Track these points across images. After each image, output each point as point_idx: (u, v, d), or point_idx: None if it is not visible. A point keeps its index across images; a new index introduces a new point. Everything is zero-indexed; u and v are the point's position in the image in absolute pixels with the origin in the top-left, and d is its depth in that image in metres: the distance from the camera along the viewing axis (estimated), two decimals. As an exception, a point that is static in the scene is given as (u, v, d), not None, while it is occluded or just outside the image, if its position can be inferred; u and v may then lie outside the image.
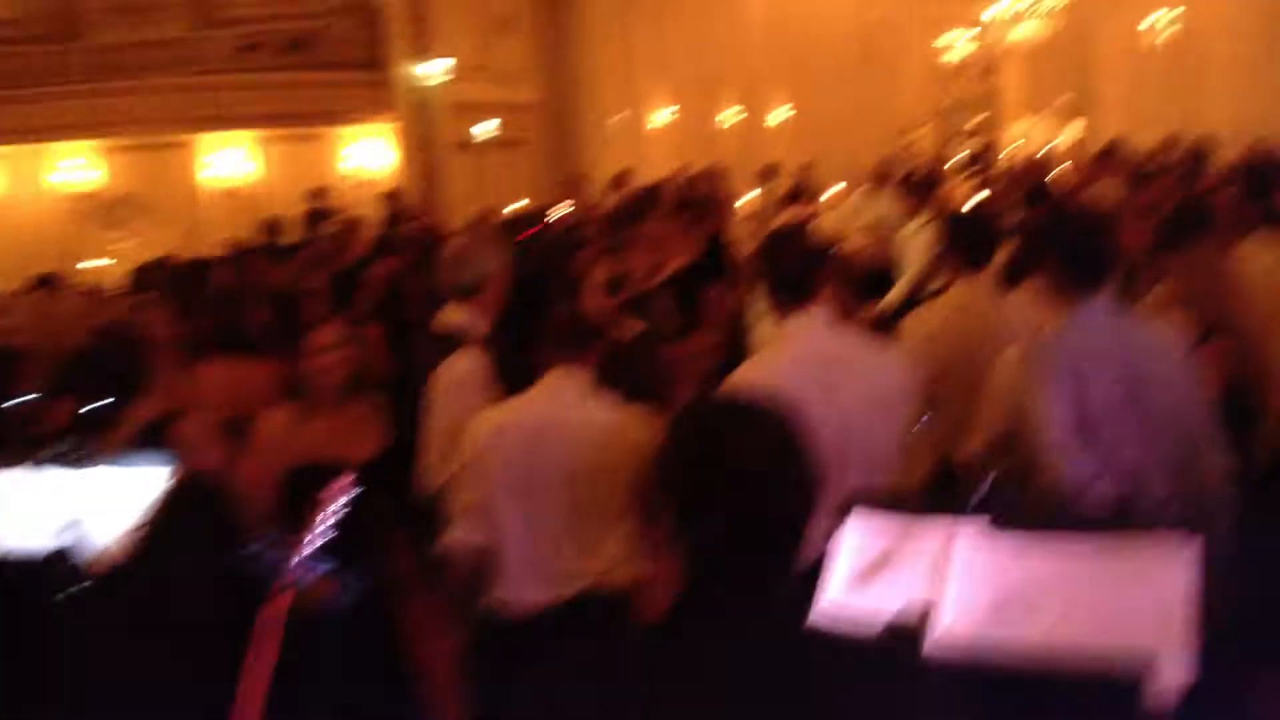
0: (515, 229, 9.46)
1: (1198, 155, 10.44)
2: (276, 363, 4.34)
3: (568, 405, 3.52)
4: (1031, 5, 16.58)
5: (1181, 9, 15.72)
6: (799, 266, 3.48)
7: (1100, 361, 3.31)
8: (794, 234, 4.06)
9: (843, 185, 11.04)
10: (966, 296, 4.37)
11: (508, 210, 11.03)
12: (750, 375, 3.39)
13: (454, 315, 4.29)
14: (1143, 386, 3.31)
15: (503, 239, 7.32)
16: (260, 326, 5.58)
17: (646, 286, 5.93)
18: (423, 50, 14.05)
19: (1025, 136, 20.95)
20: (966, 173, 18.62)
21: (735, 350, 4.73)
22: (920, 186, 9.03)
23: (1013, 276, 4.57)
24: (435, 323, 4.40)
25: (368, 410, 3.95)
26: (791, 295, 3.43)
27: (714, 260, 12.30)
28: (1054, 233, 3.58)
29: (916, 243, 8.05)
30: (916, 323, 4.42)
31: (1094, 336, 3.34)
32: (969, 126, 23.00)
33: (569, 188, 12.45)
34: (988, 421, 3.57)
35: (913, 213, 8.39)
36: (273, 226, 9.62)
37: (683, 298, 5.48)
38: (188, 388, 4.15)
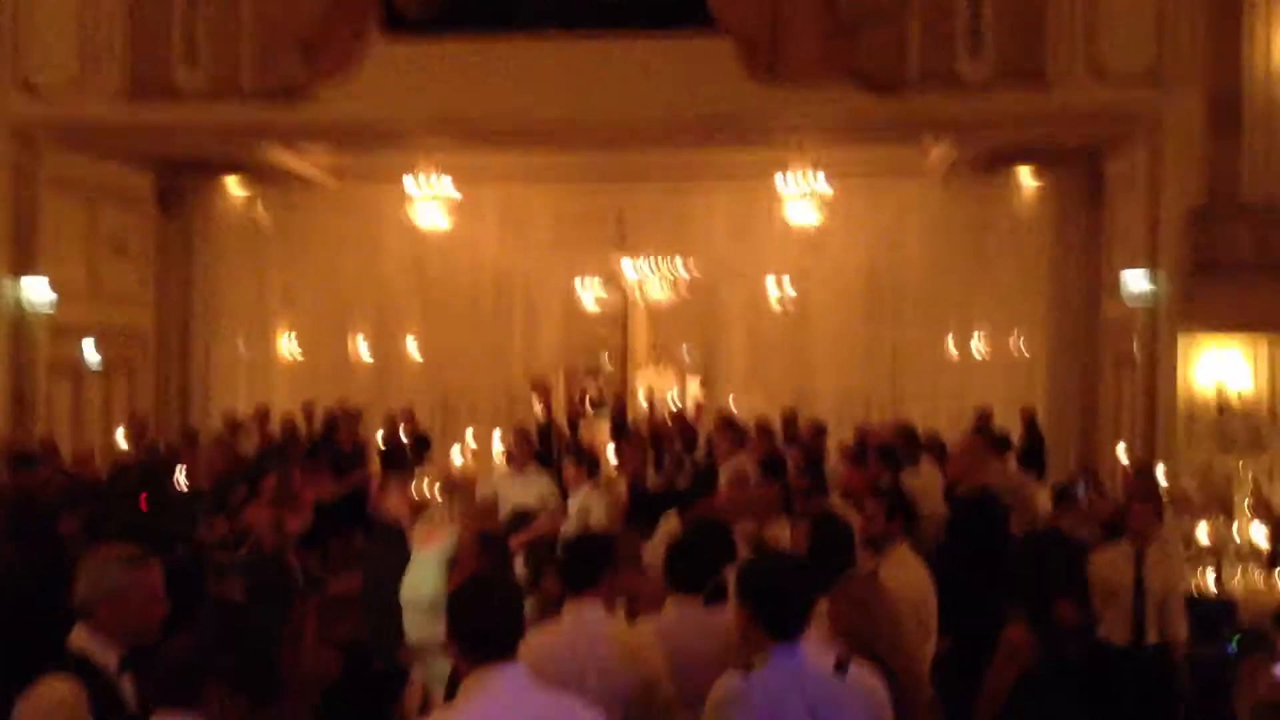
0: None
1: (818, 429, 11.19)
2: None
3: None
4: (661, 266, 17.59)
5: (791, 284, 17.23)
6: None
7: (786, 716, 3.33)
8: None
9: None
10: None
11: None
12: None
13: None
14: None
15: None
16: None
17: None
18: (23, 268, 12.89)
19: (650, 385, 22.05)
20: (596, 414, 19.18)
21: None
22: (585, 456, 9.26)
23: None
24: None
25: None
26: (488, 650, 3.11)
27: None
28: (750, 580, 3.61)
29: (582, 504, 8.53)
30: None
31: (784, 693, 3.36)
32: (594, 370, 23.99)
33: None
34: None
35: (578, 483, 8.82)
36: None
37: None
38: None
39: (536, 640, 3.98)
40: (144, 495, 8.80)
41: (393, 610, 6.85)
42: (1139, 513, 6.84)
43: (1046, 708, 4.51)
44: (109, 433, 14.85)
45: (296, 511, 9.45)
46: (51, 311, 13.30)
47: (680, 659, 4.31)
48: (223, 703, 2.99)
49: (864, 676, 3.61)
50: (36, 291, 13.01)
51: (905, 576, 5.28)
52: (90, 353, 14.79)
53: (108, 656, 3.45)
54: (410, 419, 14.29)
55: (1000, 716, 4.60)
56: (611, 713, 3.67)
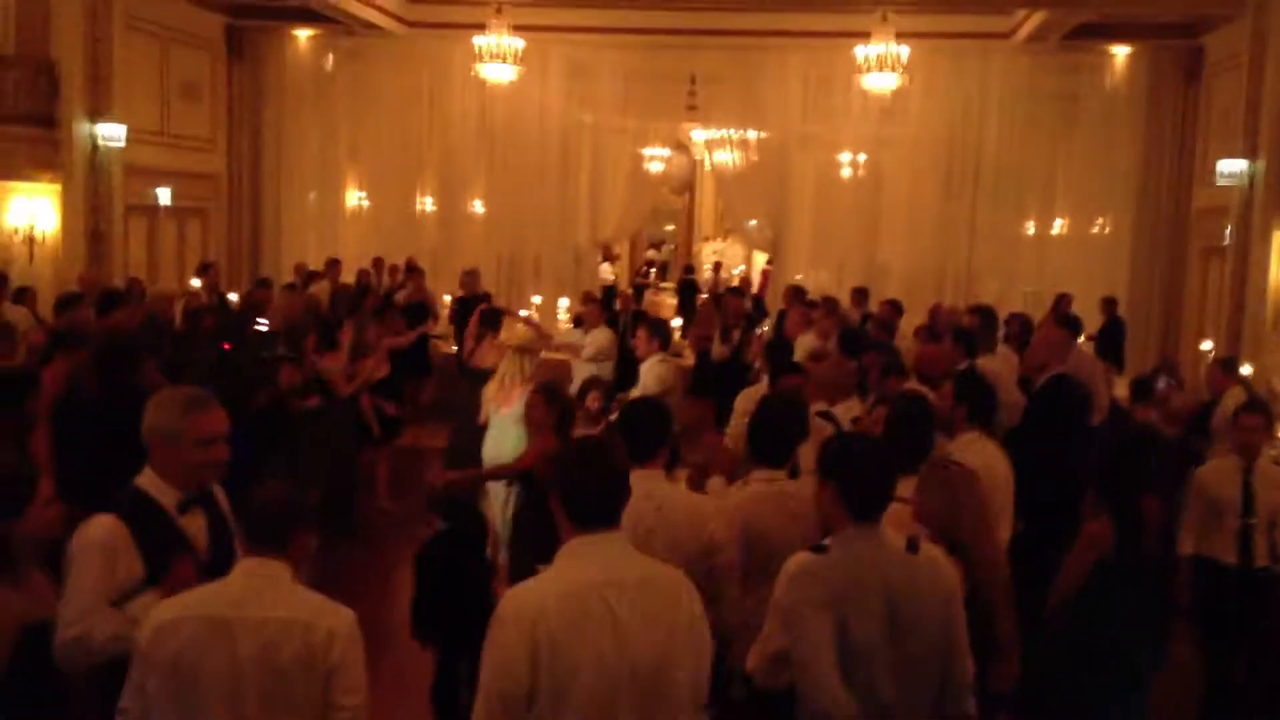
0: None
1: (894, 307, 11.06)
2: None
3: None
4: (731, 133, 17.22)
5: (866, 155, 16.82)
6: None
7: (863, 598, 3.34)
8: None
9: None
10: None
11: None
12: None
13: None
14: (902, 628, 3.37)
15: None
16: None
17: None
18: (100, 110, 12.91)
19: (718, 256, 21.87)
20: (660, 284, 19.07)
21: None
22: (659, 326, 9.32)
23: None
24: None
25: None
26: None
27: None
28: (836, 460, 3.57)
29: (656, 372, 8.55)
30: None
31: (860, 570, 3.37)
32: (660, 241, 23.89)
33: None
34: (768, 633, 3.53)
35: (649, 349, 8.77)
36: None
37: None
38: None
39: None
40: (225, 341, 8.90)
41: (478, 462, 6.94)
42: (1248, 425, 6.22)
43: (1120, 601, 4.49)
44: (184, 273, 15.12)
45: (375, 360, 9.59)
46: (125, 150, 13.30)
47: (757, 530, 4.34)
48: (307, 546, 3.25)
49: (936, 558, 3.59)
50: (111, 132, 12.99)
51: (978, 461, 5.18)
52: (164, 195, 14.83)
53: (167, 496, 3.50)
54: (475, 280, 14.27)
55: (1073, 604, 4.59)
56: None
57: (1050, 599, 4.78)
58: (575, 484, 3.10)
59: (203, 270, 13.35)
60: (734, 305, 12.30)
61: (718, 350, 10.78)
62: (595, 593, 2.99)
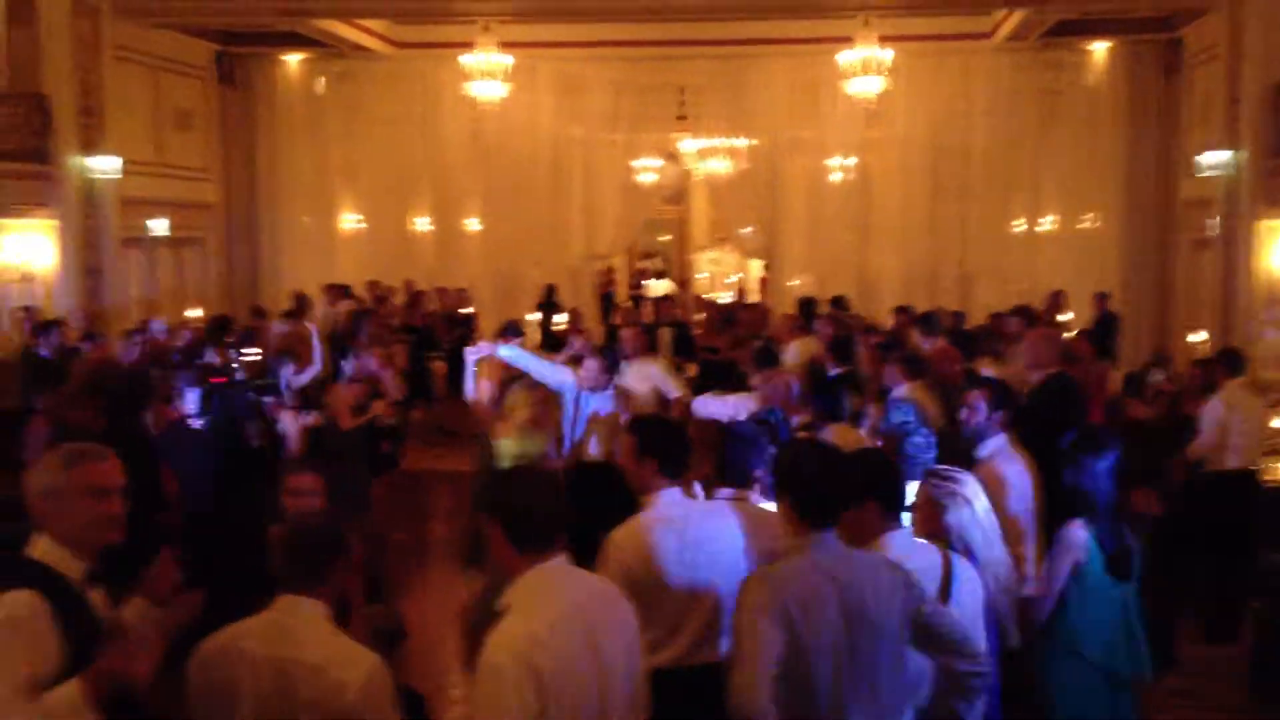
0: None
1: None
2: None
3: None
4: (721, 142, 17.34)
5: (855, 159, 16.94)
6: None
7: (817, 604, 3.36)
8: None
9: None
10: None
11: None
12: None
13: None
14: (858, 632, 3.37)
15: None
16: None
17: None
18: (93, 143, 13.02)
19: (714, 264, 21.98)
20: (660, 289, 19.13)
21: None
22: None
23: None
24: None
25: None
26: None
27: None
28: (790, 469, 3.60)
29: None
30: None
31: (815, 576, 3.39)
32: (654, 252, 23.99)
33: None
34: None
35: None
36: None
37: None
38: None
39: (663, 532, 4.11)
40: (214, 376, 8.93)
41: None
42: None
43: (1099, 602, 4.57)
44: (183, 304, 15.19)
45: (386, 400, 9.56)
46: (119, 182, 13.36)
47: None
48: (344, 581, 3.24)
49: (895, 563, 3.61)
50: (105, 165, 13.05)
51: (998, 475, 5.23)
52: (159, 225, 14.90)
53: (70, 567, 3.09)
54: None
55: (1058, 605, 4.65)
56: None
57: (1037, 605, 4.86)
58: (521, 510, 3.12)
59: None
60: (746, 318, 12.40)
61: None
62: (574, 619, 3.07)
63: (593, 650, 3.07)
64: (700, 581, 4.04)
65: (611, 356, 8.04)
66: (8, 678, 2.83)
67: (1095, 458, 4.71)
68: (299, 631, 3.12)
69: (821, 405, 6.92)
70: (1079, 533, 4.59)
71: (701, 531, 4.11)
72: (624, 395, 7.75)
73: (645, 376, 8.81)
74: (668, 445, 4.25)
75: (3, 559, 3.11)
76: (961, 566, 4.04)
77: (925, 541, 4.11)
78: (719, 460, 4.49)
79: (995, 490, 5.09)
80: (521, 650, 2.93)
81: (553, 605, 3.05)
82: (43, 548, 3.09)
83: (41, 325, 10.88)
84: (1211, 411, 8.07)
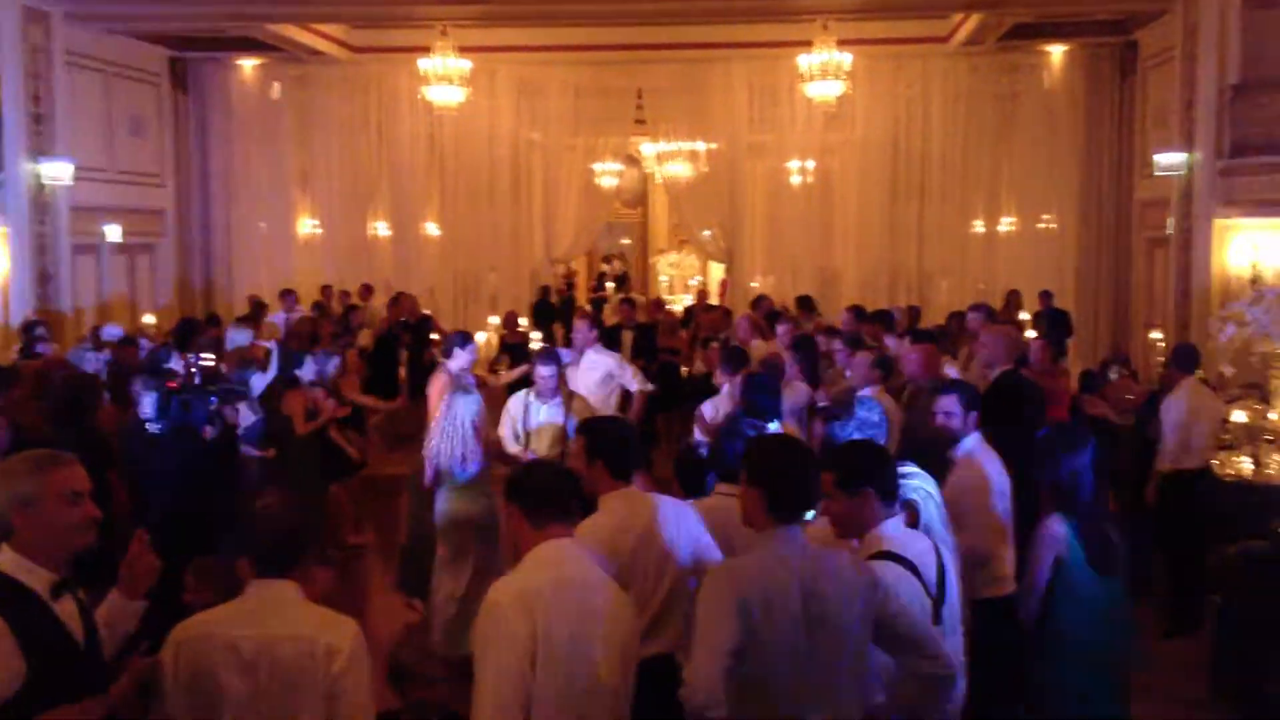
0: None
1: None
2: None
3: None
4: (681, 145, 17.34)
5: (814, 162, 17.01)
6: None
7: (778, 596, 3.35)
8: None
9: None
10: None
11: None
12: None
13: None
14: (818, 624, 3.36)
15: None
16: None
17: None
18: (45, 149, 12.85)
19: (674, 268, 21.99)
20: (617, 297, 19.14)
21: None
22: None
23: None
24: None
25: None
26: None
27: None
28: (762, 462, 3.60)
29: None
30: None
31: (778, 569, 3.39)
32: (615, 255, 23.96)
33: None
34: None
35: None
36: None
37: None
38: None
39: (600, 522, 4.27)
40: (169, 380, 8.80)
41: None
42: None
43: (1084, 597, 4.57)
44: (135, 311, 14.97)
45: (333, 403, 9.47)
46: (71, 189, 13.18)
47: (720, 536, 4.46)
48: (316, 571, 3.28)
49: (855, 558, 3.63)
50: (57, 171, 12.86)
51: (975, 472, 5.24)
52: (113, 231, 14.69)
53: (35, 577, 3.00)
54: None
55: (1043, 602, 4.66)
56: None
57: (1020, 596, 4.88)
58: (537, 494, 3.50)
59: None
60: (706, 320, 12.43)
61: (697, 367, 10.87)
62: (573, 586, 3.35)
63: (589, 620, 3.32)
64: (651, 576, 4.21)
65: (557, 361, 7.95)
66: None
67: (1073, 453, 4.73)
68: (279, 609, 3.15)
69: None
70: (1058, 528, 4.60)
71: (655, 528, 4.25)
72: (569, 399, 7.65)
73: (594, 366, 8.81)
74: (615, 447, 4.36)
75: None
76: (948, 556, 4.05)
77: (917, 531, 4.10)
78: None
79: (978, 489, 5.17)
80: (521, 595, 3.26)
81: (555, 570, 3.38)
82: (5, 559, 2.99)
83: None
84: (1174, 414, 8.08)
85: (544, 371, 7.49)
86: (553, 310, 16.49)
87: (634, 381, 8.95)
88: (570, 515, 3.55)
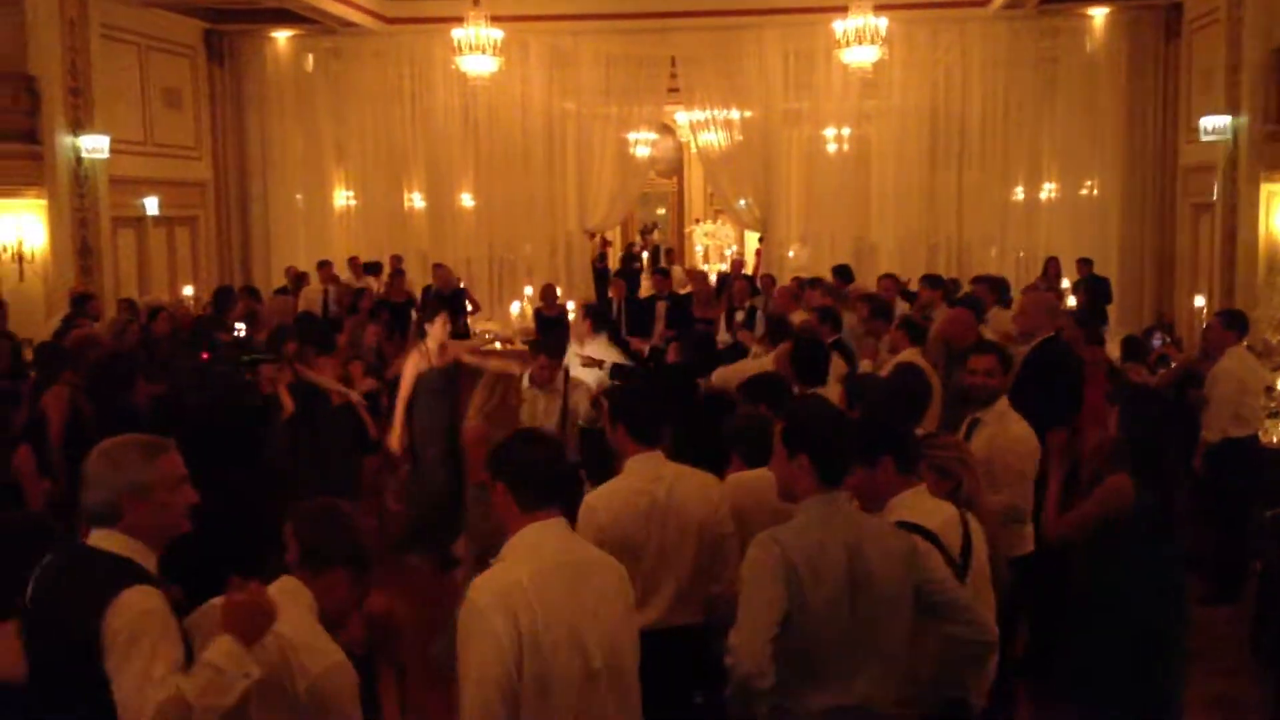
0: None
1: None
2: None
3: None
4: (715, 114, 17.18)
5: (851, 129, 16.81)
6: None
7: (825, 560, 3.31)
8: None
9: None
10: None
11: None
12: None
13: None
14: (861, 588, 3.33)
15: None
16: None
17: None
18: (82, 123, 12.93)
19: (709, 237, 21.89)
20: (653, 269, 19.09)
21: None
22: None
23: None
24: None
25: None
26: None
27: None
28: (806, 426, 3.53)
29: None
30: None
31: (824, 533, 3.35)
32: (650, 226, 23.87)
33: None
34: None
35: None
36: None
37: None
38: None
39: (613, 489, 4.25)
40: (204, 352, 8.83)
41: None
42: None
43: (1134, 561, 4.51)
44: (175, 283, 15.10)
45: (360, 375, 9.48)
46: (109, 162, 13.27)
47: (741, 510, 4.39)
48: (338, 589, 3.19)
49: (895, 539, 3.54)
50: (94, 144, 12.96)
51: (1011, 432, 5.31)
52: (151, 204, 14.79)
53: (148, 561, 3.02)
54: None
55: (1084, 564, 4.62)
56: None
57: (1051, 534, 4.87)
58: (524, 469, 3.24)
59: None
60: (740, 288, 12.35)
61: (723, 336, 10.82)
62: (558, 573, 3.17)
63: (577, 606, 3.15)
64: (671, 544, 4.16)
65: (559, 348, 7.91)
66: (171, 659, 2.83)
67: (1148, 413, 4.72)
68: (284, 607, 3.03)
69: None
70: (1123, 484, 4.57)
71: (673, 495, 4.21)
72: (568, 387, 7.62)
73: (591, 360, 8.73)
74: (638, 410, 4.36)
75: (96, 556, 3.00)
76: (974, 524, 4.00)
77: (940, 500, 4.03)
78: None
79: (1014, 450, 5.26)
80: (500, 593, 3.07)
81: (539, 558, 3.17)
82: (116, 543, 3.01)
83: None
84: (1224, 382, 7.90)
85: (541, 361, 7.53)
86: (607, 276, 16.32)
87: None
88: (561, 496, 3.31)
